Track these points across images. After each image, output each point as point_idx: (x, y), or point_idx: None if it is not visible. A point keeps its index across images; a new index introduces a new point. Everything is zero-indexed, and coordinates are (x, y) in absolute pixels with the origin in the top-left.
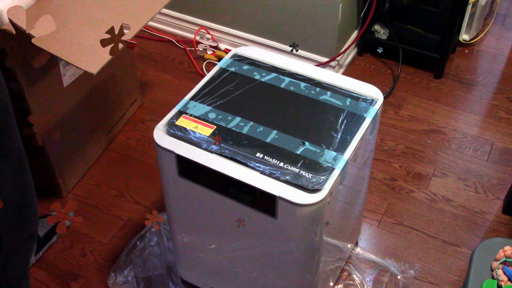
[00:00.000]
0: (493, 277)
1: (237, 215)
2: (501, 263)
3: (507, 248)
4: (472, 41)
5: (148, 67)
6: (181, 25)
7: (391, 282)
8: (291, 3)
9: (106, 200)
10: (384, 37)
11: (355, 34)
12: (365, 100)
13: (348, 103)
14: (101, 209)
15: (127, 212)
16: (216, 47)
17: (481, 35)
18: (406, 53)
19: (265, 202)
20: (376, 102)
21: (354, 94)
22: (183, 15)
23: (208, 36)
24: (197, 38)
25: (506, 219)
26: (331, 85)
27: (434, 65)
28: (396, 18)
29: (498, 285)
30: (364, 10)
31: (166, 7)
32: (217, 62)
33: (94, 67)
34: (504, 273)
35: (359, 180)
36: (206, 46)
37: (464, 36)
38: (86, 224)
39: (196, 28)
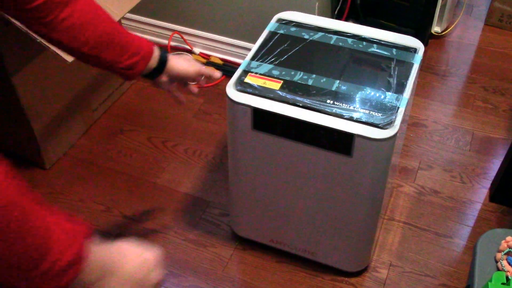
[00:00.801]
0: (498, 269)
1: (312, 160)
2: (505, 254)
3: (508, 238)
4: (443, 33)
5: None
6: (154, 31)
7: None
8: (266, 4)
9: (92, 216)
10: None
11: None
12: (408, 49)
13: (395, 53)
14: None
15: (116, 227)
16: (191, 52)
17: (451, 27)
18: None
19: (341, 142)
20: (419, 50)
21: (398, 45)
22: (155, 21)
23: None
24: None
25: (493, 207)
26: (375, 39)
27: None
28: (369, 14)
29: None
30: (338, 7)
31: (135, 12)
32: None
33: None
34: (509, 263)
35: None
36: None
37: (436, 28)
38: None
39: (169, 33)
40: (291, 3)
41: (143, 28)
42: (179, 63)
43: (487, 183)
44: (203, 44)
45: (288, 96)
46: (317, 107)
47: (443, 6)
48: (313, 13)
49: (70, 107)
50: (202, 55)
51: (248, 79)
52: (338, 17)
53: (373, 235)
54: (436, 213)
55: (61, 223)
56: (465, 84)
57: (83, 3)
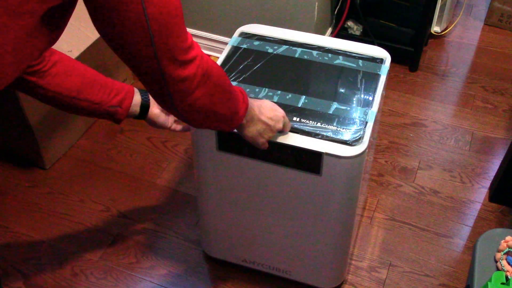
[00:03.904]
0: (497, 268)
1: (280, 179)
2: (504, 253)
3: (508, 238)
4: (443, 33)
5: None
6: None
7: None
8: (267, 4)
9: (92, 216)
10: (357, 33)
11: (329, 31)
12: (374, 59)
13: (361, 64)
14: (86, 225)
15: (116, 227)
16: None
17: (451, 27)
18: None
19: (310, 161)
20: (385, 60)
21: (364, 56)
22: None
23: None
24: None
25: (493, 207)
26: (340, 50)
27: (409, 58)
28: (369, 14)
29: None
30: (338, 7)
31: None
32: None
33: None
34: (509, 263)
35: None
36: None
37: (435, 28)
38: (71, 242)
39: None
40: (291, 3)
41: None
42: (157, 110)
43: (487, 183)
44: (203, 44)
45: None
46: None
47: (443, 6)
48: (313, 13)
49: None
50: None
51: None
52: (338, 17)
53: (347, 251)
54: (435, 213)
55: (235, 87)
56: (465, 84)
57: (60, 54)
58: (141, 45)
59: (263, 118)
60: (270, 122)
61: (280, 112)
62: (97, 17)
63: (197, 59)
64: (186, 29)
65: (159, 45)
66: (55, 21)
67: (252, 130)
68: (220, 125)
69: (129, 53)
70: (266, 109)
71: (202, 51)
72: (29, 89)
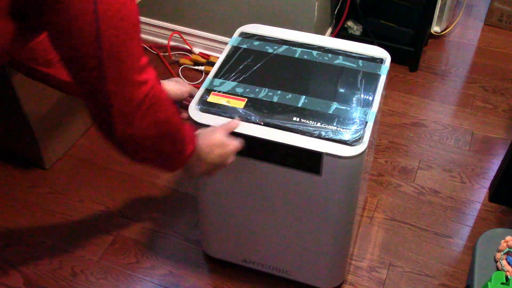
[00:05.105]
0: (497, 268)
1: (281, 180)
2: (504, 253)
3: (508, 238)
4: (443, 33)
5: None
6: (153, 31)
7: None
8: (267, 4)
9: (92, 216)
10: (357, 33)
11: (329, 31)
12: (374, 59)
13: (361, 64)
14: (86, 225)
15: (115, 227)
16: (191, 52)
17: (451, 27)
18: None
19: (310, 161)
20: (385, 60)
21: (364, 56)
22: (155, 21)
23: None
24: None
25: (493, 207)
26: (340, 50)
27: (409, 58)
28: (369, 14)
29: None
30: (338, 7)
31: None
32: (193, 67)
33: None
34: (509, 263)
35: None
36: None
37: (435, 28)
38: (72, 242)
39: (169, 33)
40: (291, 3)
41: (142, 28)
42: (169, 86)
43: (487, 183)
44: (203, 44)
45: (253, 115)
46: (283, 126)
47: (443, 6)
48: (313, 13)
49: (70, 107)
50: (202, 55)
51: (211, 98)
52: (338, 17)
53: (347, 251)
54: (435, 213)
55: (185, 125)
56: (465, 84)
57: None
58: (88, 56)
59: (212, 157)
60: (218, 160)
61: (231, 146)
62: (49, 30)
63: (149, 84)
64: (142, 48)
65: (109, 58)
66: (27, 19)
67: (200, 170)
68: (160, 164)
69: (74, 61)
70: (215, 146)
71: (157, 81)
72: (45, 79)
